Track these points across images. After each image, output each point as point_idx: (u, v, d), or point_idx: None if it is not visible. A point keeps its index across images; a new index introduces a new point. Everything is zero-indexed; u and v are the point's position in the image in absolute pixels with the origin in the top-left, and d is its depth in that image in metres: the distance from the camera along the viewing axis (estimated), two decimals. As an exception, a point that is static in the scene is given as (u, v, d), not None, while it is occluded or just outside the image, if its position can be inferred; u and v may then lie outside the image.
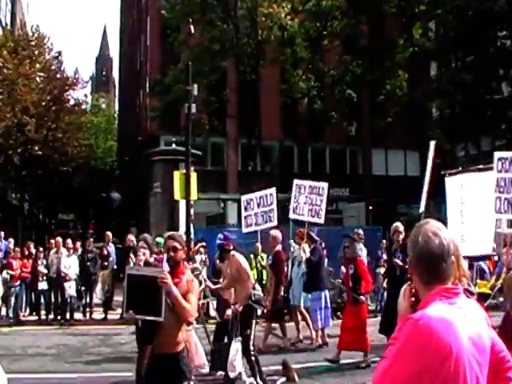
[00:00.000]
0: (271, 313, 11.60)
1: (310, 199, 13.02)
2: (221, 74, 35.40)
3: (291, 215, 13.42)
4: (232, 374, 8.90)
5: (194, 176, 18.28)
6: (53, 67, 44.50)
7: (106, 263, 17.98)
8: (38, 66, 42.01)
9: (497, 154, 10.84)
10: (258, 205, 13.31)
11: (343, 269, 11.65)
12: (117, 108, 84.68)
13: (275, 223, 12.93)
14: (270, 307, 11.58)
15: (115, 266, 17.91)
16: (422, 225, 2.74)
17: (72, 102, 47.39)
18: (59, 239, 17.75)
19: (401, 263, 11.22)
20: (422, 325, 2.43)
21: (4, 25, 48.46)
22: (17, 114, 38.63)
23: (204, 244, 15.36)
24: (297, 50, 32.44)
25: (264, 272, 15.80)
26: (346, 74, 33.85)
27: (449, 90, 33.16)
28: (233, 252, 9.66)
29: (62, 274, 16.68)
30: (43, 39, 43.65)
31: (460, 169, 13.66)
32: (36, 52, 42.25)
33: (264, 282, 14.70)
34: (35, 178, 43.29)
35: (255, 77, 32.34)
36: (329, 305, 12.45)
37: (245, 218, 13.32)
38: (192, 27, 23.97)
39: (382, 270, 18.10)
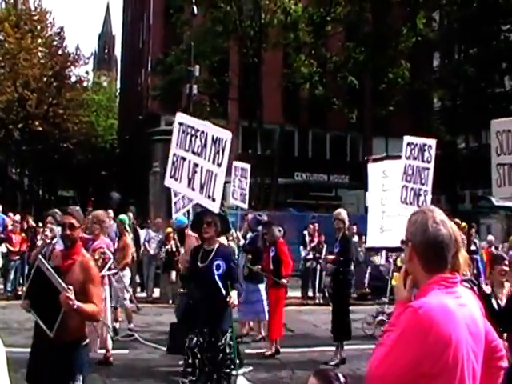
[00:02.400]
0: None
1: (240, 182, 12.33)
2: (223, 56, 35.29)
3: (231, 199, 12.53)
4: None
5: (194, 157, 18.33)
6: (54, 43, 44.43)
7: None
8: (39, 40, 42.02)
9: (406, 139, 10.08)
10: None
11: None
12: (118, 86, 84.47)
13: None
14: None
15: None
16: (428, 211, 2.71)
17: (73, 79, 47.44)
18: (58, 215, 17.80)
19: (330, 256, 10.56)
20: (422, 314, 2.44)
21: (6, -1, 48.26)
22: (18, 88, 38.61)
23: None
24: (300, 34, 32.29)
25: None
26: (349, 61, 33.70)
27: (451, 81, 33.16)
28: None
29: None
30: (45, 14, 43.55)
31: (384, 155, 13.06)
32: (38, 27, 42.17)
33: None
34: (35, 154, 43.33)
35: (257, 60, 32.22)
36: (264, 297, 11.13)
37: (174, 203, 12.61)
38: (195, 7, 23.91)
39: (375, 259, 18.30)
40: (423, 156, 9.59)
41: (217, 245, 6.67)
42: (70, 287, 4.71)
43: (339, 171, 40.15)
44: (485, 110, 31.97)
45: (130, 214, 17.54)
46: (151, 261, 16.99)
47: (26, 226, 18.01)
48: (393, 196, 10.58)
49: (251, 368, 9.36)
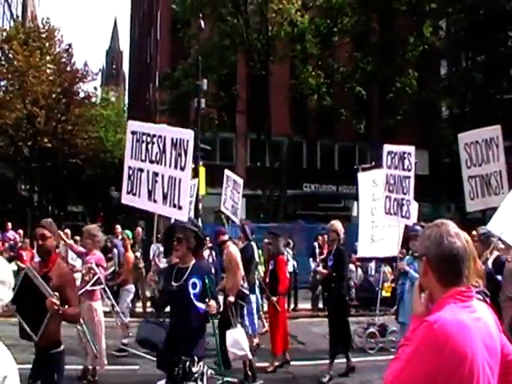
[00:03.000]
0: None
1: (232, 194, 12.09)
2: (230, 69, 35.38)
3: (222, 208, 12.26)
4: (240, 353, 8.89)
5: (202, 171, 18.36)
6: (63, 60, 44.69)
7: (110, 255, 18.02)
8: (48, 58, 42.24)
9: (386, 148, 9.95)
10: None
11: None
12: (126, 101, 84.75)
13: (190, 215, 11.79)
14: None
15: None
16: (441, 224, 2.69)
17: (82, 95, 47.62)
18: (68, 231, 17.83)
19: (323, 270, 10.41)
20: (437, 328, 2.42)
21: (15, 17, 48.65)
22: (27, 105, 38.83)
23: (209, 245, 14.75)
24: (307, 46, 32.34)
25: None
26: (356, 71, 33.74)
27: (459, 89, 33.08)
28: (228, 242, 10.01)
29: (70, 266, 16.72)
30: (54, 32, 43.83)
31: (373, 164, 12.73)
32: (46, 44, 42.45)
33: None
34: (45, 170, 43.50)
35: (265, 72, 32.26)
36: (254, 310, 10.95)
37: None
38: (202, 22, 23.99)
39: (387, 269, 18.07)
40: (403, 164, 9.44)
41: (193, 262, 5.92)
42: (56, 293, 5.11)
43: (348, 182, 39.92)
44: (493, 117, 31.85)
45: (139, 229, 17.52)
46: (161, 275, 16.92)
47: (36, 243, 18.05)
48: (382, 205, 10.36)
49: (262, 382, 9.28)
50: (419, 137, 38.18)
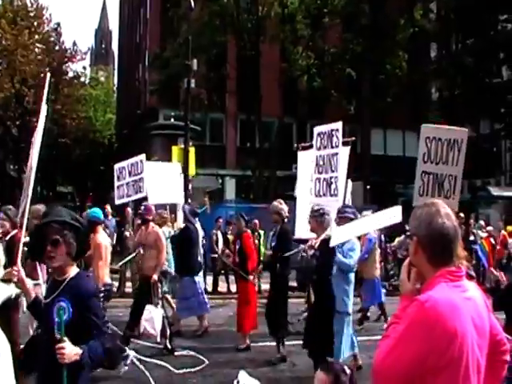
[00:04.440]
0: None
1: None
2: (221, 50, 35.22)
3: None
4: (151, 331, 9.28)
5: (192, 151, 18.30)
6: (51, 39, 44.45)
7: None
8: (36, 37, 42.00)
9: (316, 129, 9.69)
10: (130, 173, 11.83)
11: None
12: (116, 81, 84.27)
13: (144, 194, 11.37)
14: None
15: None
16: (432, 204, 2.71)
17: (71, 75, 47.45)
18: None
19: (268, 252, 9.89)
20: (428, 307, 2.45)
21: (3, -5, 48.14)
22: (15, 85, 38.63)
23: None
24: (297, 27, 32.25)
25: (262, 248, 15.78)
26: (347, 53, 33.68)
27: (449, 72, 33.08)
28: (152, 224, 10.37)
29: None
30: (42, 10, 43.53)
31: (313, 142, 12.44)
32: (35, 23, 42.17)
33: (262, 258, 14.15)
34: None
35: (255, 53, 32.17)
36: (201, 290, 11.23)
37: (117, 188, 11.96)
38: (192, 1, 23.82)
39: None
40: (332, 142, 9.20)
41: (72, 273, 3.97)
42: None
43: (338, 163, 40.11)
44: (483, 101, 31.91)
45: (129, 209, 17.50)
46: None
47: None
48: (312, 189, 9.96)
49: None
50: (409, 119, 38.31)
